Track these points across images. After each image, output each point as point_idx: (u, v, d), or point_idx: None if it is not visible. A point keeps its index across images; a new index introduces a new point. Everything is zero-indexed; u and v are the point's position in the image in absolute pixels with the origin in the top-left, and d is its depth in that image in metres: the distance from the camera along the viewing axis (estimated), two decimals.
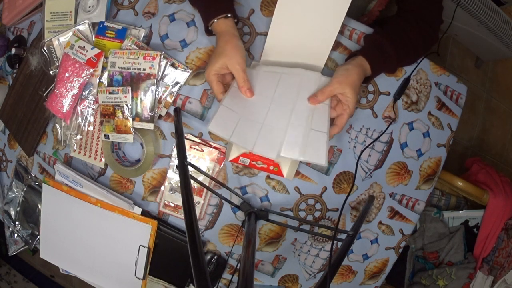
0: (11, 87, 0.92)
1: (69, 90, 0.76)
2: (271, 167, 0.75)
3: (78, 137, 0.80)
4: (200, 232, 0.81)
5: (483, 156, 1.82)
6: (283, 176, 0.76)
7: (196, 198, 0.78)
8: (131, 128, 0.75)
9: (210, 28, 0.71)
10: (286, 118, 0.67)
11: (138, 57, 0.73)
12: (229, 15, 0.69)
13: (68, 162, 0.85)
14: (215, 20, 0.69)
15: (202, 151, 0.77)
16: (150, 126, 0.75)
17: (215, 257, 0.81)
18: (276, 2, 0.69)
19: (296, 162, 0.75)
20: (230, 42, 0.67)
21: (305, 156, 0.64)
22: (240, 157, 0.75)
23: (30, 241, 0.94)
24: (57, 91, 0.77)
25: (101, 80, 0.77)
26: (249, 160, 0.75)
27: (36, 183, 0.90)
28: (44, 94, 0.81)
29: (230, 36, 0.68)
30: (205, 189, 0.77)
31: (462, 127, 1.77)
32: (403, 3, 0.76)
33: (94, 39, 0.78)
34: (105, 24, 0.77)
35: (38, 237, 0.91)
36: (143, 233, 0.78)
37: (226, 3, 0.70)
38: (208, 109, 0.77)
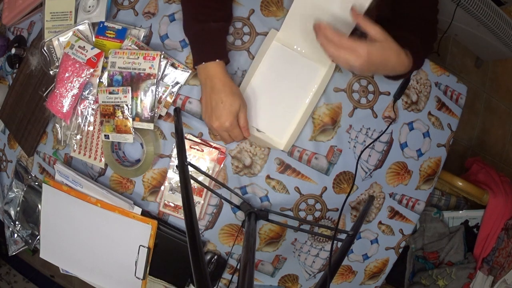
0: (11, 87, 0.92)
1: (69, 90, 0.76)
2: None
3: (78, 137, 0.80)
4: (200, 232, 0.81)
5: (483, 156, 1.82)
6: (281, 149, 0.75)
7: (196, 198, 0.78)
8: (131, 128, 0.75)
9: (201, 65, 0.69)
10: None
11: (138, 57, 0.73)
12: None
13: (68, 162, 0.85)
14: (213, 62, 0.67)
15: (202, 151, 0.77)
16: (150, 126, 0.75)
17: (215, 257, 0.81)
18: (276, 2, 0.69)
19: (295, 134, 0.74)
20: (232, 85, 0.68)
21: None
22: None
23: (30, 241, 0.94)
24: (57, 91, 0.77)
25: (101, 80, 0.77)
26: None
27: (36, 183, 0.90)
28: (44, 94, 0.81)
29: (229, 80, 0.68)
30: (205, 189, 0.77)
31: (462, 127, 1.77)
32: (398, 5, 0.74)
33: (94, 39, 0.78)
34: (105, 24, 0.77)
35: (38, 237, 0.91)
36: (143, 233, 0.78)
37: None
38: None
